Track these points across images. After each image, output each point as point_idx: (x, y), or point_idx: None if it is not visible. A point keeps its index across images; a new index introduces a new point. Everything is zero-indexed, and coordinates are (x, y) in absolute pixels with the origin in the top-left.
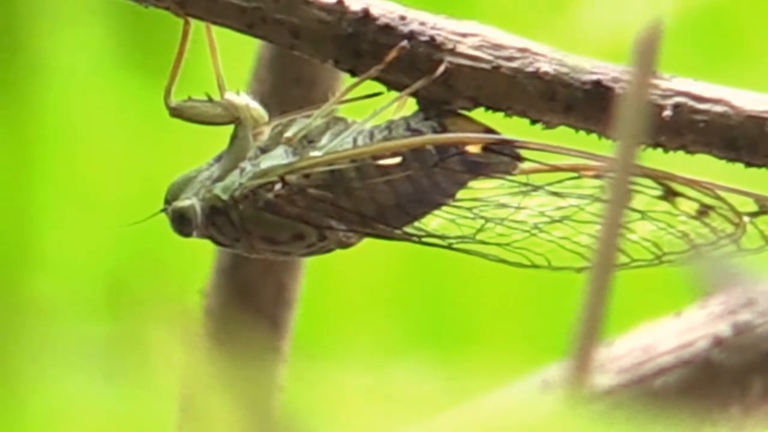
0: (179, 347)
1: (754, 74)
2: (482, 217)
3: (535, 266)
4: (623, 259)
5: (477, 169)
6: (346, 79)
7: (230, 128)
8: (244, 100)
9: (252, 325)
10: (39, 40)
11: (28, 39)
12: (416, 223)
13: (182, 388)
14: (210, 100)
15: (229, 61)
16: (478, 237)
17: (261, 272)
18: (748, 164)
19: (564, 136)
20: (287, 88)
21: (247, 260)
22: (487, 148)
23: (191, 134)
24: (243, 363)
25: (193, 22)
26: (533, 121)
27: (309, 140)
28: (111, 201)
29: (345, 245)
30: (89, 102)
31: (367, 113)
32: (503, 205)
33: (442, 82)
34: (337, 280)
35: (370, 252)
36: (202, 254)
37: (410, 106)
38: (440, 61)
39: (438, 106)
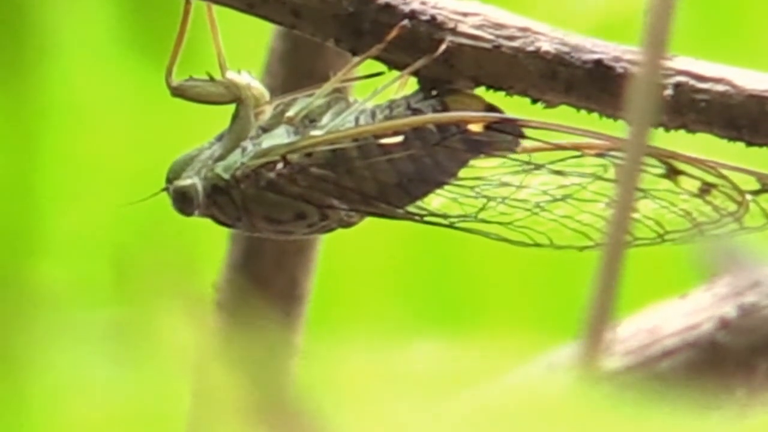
0: (190, 331)
1: (752, 54)
2: (484, 196)
3: (537, 245)
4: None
5: (479, 147)
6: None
7: (232, 107)
8: (246, 79)
9: (264, 319)
10: (43, 22)
11: (32, 21)
12: (418, 203)
13: (194, 372)
14: (211, 79)
15: (241, 55)
16: (480, 216)
17: (273, 267)
18: (750, 143)
19: (565, 115)
20: (300, 82)
21: (259, 255)
22: (488, 126)
23: (195, 114)
24: (255, 353)
25: (195, 3)
26: (534, 101)
27: (310, 119)
28: (116, 183)
29: (346, 224)
30: (93, 84)
31: (369, 92)
32: (505, 184)
33: (443, 62)
34: (350, 270)
35: (380, 244)
36: (215, 246)
37: (412, 85)
38: (441, 41)
39: (439, 85)
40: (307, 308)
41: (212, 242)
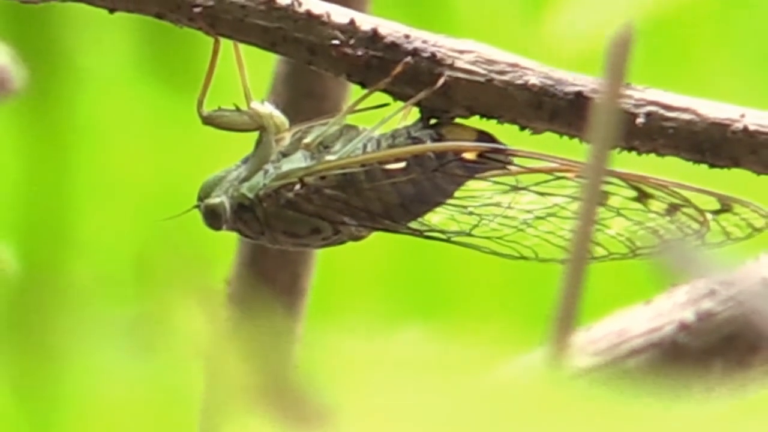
0: (204, 321)
1: (699, 83)
2: (477, 214)
3: (524, 258)
4: (601, 252)
5: (472, 171)
6: (353, 92)
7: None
8: (268, 109)
9: (269, 311)
10: (76, 53)
11: (66, 52)
12: (419, 220)
13: (207, 359)
14: (237, 109)
15: (249, 78)
16: (474, 232)
17: (278, 263)
18: (712, 165)
19: (549, 140)
20: (301, 101)
21: (265, 253)
22: (481, 154)
23: (203, 133)
24: (262, 342)
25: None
26: (522, 128)
27: (325, 146)
28: (139, 193)
29: (357, 238)
30: (119, 107)
31: (376, 121)
32: (495, 204)
33: (442, 94)
34: (345, 267)
35: (374, 244)
36: (226, 247)
37: (414, 114)
38: (440, 75)
39: (438, 115)
40: (308, 301)
41: (224, 243)
